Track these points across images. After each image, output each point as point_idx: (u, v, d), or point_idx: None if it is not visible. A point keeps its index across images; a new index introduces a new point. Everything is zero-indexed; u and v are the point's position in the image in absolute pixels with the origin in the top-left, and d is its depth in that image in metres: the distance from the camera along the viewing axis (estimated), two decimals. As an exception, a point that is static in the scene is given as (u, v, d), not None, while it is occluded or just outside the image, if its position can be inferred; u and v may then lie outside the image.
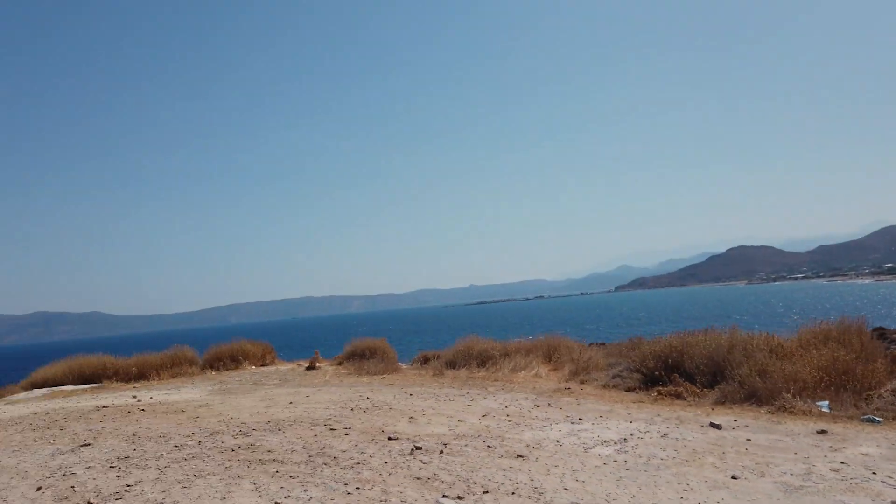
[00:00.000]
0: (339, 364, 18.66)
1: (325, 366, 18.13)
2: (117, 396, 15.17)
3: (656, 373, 10.40)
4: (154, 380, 18.08)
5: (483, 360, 15.21)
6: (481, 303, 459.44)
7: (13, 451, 9.26)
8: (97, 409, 13.32)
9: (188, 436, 9.22)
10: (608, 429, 7.73)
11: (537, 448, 6.92)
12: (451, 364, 15.52)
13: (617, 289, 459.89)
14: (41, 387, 18.56)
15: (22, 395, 17.08)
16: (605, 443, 7.03)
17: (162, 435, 9.46)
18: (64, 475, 7.12)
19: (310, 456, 7.14)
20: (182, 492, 5.99)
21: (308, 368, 17.71)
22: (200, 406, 12.67)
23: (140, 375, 18.27)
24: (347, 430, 8.60)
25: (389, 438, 7.88)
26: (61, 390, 17.03)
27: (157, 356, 18.93)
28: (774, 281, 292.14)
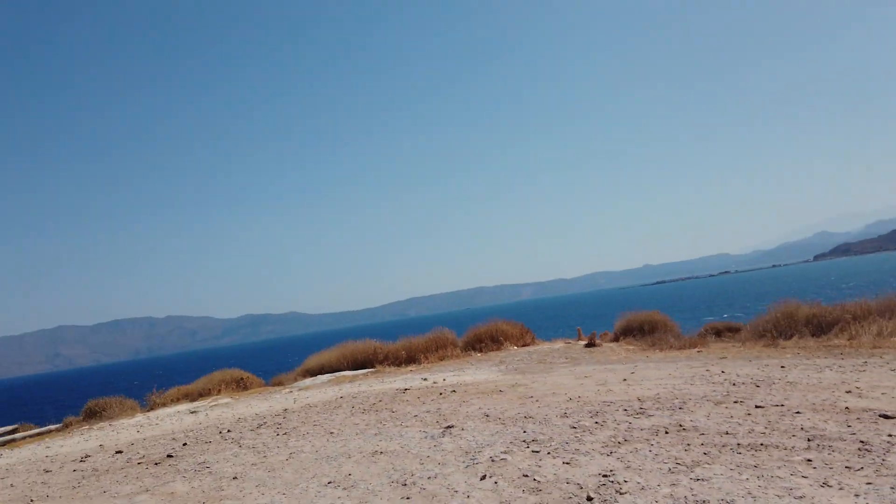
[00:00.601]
0: (615, 340, 16.91)
1: (603, 343, 16.45)
2: (405, 379, 14.73)
3: None
4: (423, 363, 17.64)
5: (820, 326, 12.58)
6: (659, 282, 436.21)
7: (373, 434, 8.60)
8: (401, 391, 12.79)
9: (563, 415, 7.92)
10: None
11: None
12: (777, 332, 13.07)
13: (816, 258, 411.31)
14: (315, 374, 18.99)
15: (308, 380, 17.44)
16: None
17: (527, 416, 8.27)
18: (492, 460, 6.01)
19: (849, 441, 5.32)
20: (755, 486, 4.47)
21: (587, 346, 16.15)
22: (515, 385, 11.55)
23: (409, 359, 17.95)
24: (789, 408, 6.70)
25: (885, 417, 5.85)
26: (343, 375, 17.11)
27: (421, 340, 18.55)
28: None
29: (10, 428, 18.64)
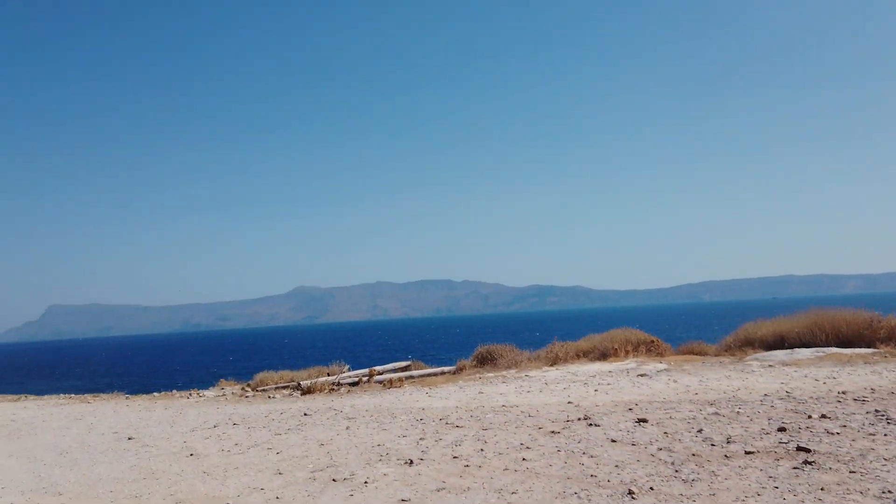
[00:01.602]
0: None
1: None
2: None
3: None
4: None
5: None
6: None
7: None
8: None
9: None
10: None
11: None
12: None
13: None
14: (769, 346, 14.31)
15: (779, 353, 12.88)
16: None
17: None
18: None
19: None
20: None
21: None
22: None
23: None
24: None
25: None
26: (839, 353, 12.18)
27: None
28: None
29: (403, 364, 17.91)
